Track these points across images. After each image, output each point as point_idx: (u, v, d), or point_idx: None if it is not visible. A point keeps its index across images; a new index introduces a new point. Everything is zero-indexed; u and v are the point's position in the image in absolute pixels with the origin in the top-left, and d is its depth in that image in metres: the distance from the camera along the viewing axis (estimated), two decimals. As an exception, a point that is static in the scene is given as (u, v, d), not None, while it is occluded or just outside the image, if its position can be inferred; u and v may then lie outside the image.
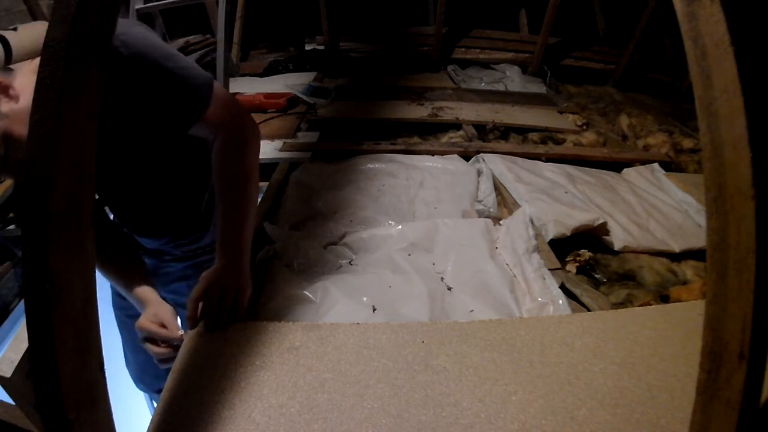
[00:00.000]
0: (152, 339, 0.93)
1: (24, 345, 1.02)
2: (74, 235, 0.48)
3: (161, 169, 1.00)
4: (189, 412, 0.71)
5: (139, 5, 2.27)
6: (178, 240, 1.10)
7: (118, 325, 1.34)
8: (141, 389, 1.47)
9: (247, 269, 0.92)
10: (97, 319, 0.53)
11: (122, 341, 1.36)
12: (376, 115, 2.26)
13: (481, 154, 1.74)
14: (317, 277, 1.11)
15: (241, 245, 0.92)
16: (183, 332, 0.91)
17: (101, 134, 0.58)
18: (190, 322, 0.87)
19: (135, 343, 1.34)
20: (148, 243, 1.12)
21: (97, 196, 1.06)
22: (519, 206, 1.40)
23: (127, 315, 1.30)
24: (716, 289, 0.44)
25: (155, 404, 1.74)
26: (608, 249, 1.33)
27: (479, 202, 1.50)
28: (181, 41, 2.70)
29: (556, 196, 1.45)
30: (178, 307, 1.26)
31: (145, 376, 1.39)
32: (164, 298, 1.22)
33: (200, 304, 0.88)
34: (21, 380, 0.98)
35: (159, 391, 1.39)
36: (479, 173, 1.63)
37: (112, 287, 1.29)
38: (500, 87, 2.85)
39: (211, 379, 0.76)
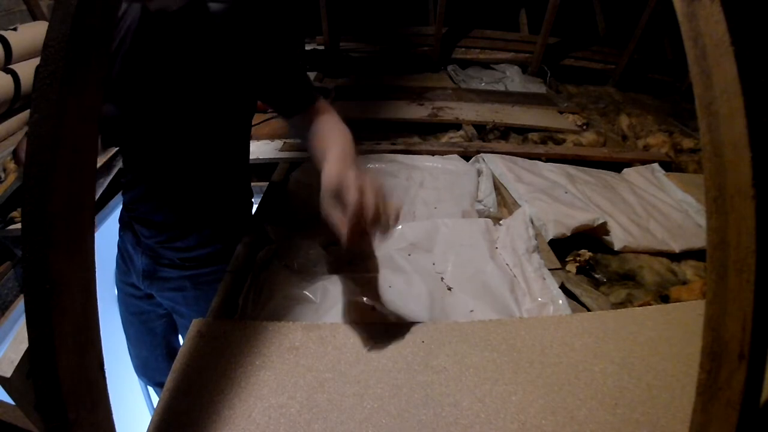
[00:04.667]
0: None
1: (24, 345, 1.02)
2: (74, 235, 0.48)
3: (204, 149, 1.01)
4: (189, 412, 0.71)
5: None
6: (175, 242, 1.10)
7: (122, 320, 1.34)
8: (142, 381, 1.48)
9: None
10: (97, 319, 0.53)
11: (125, 335, 1.37)
12: (376, 115, 2.26)
13: (481, 154, 1.74)
14: (317, 277, 1.11)
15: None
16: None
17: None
18: (351, 236, 0.68)
19: (137, 338, 1.35)
20: (146, 234, 1.11)
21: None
22: (519, 206, 1.40)
23: (130, 312, 1.30)
24: (716, 289, 0.44)
25: (151, 392, 1.74)
26: (608, 249, 1.33)
27: (479, 202, 1.50)
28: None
29: (556, 196, 1.45)
30: (175, 314, 1.26)
31: (147, 369, 1.41)
32: (161, 303, 1.23)
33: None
34: (21, 380, 0.98)
35: (158, 384, 1.41)
36: (479, 173, 1.63)
37: (118, 283, 1.29)
38: (500, 87, 2.85)
39: (211, 379, 0.76)
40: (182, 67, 0.89)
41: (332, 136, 0.90)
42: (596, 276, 1.24)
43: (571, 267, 1.22)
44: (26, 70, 1.75)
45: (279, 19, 0.91)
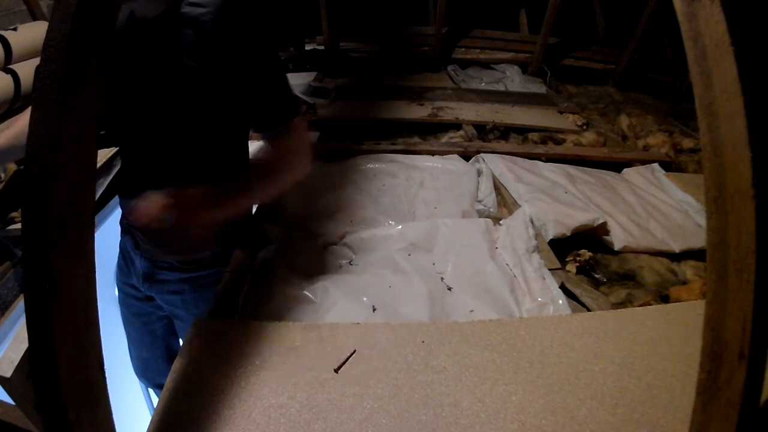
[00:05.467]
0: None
1: (24, 345, 1.02)
2: (74, 235, 0.48)
3: (198, 151, 1.01)
4: (189, 412, 0.71)
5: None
6: (173, 245, 1.09)
7: (123, 321, 1.34)
8: (142, 382, 1.48)
9: (221, 216, 0.89)
10: (97, 319, 0.53)
11: (126, 335, 1.36)
12: (376, 115, 2.26)
13: (481, 154, 1.74)
14: (317, 277, 1.11)
15: (237, 199, 0.93)
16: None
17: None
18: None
19: (137, 339, 1.34)
20: (143, 239, 1.11)
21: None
22: (519, 206, 1.40)
23: (130, 313, 1.30)
24: (716, 289, 0.44)
25: (152, 394, 1.73)
26: (608, 249, 1.33)
27: (479, 202, 1.50)
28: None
29: (556, 196, 1.45)
30: (175, 319, 1.26)
31: (147, 371, 1.40)
32: (160, 306, 1.22)
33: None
34: (21, 380, 0.98)
35: (158, 386, 1.41)
36: (479, 173, 1.63)
37: (119, 284, 1.29)
38: (500, 87, 2.85)
39: (211, 379, 0.76)
40: (163, 73, 0.89)
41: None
42: (596, 276, 1.24)
43: (571, 267, 1.22)
44: (26, 70, 1.75)
45: (255, 30, 0.88)
